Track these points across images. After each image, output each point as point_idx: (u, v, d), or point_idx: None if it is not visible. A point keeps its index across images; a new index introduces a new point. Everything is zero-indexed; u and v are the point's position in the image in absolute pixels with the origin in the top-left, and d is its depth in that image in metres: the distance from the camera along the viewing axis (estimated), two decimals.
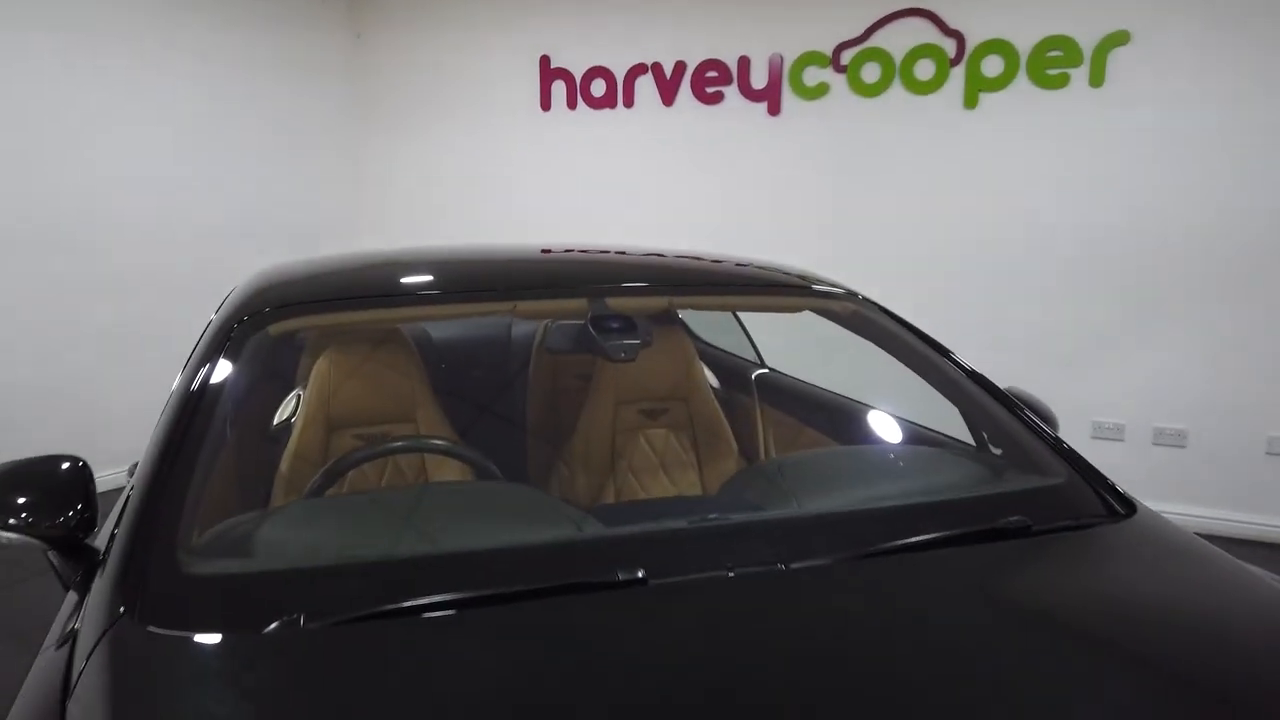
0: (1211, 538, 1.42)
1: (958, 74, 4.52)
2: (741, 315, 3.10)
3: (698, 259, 2.17)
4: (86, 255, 4.53)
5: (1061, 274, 4.43)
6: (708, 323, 3.05)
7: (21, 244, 4.25)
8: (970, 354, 2.20)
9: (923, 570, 1.28)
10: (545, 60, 5.41)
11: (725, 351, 2.99)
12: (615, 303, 1.82)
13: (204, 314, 1.97)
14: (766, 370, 2.86)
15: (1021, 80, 4.40)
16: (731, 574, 1.21)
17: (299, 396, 2.17)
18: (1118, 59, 4.20)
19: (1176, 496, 4.26)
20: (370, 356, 2.17)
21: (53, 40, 4.28)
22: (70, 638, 1.17)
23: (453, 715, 0.95)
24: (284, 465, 1.91)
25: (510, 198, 5.62)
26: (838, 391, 2.53)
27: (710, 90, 5.06)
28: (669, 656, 1.07)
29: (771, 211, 4.98)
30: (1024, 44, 4.36)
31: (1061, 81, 4.32)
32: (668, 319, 2.64)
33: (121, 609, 1.11)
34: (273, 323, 1.65)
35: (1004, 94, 4.45)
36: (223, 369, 1.52)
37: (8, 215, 4.19)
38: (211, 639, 1.07)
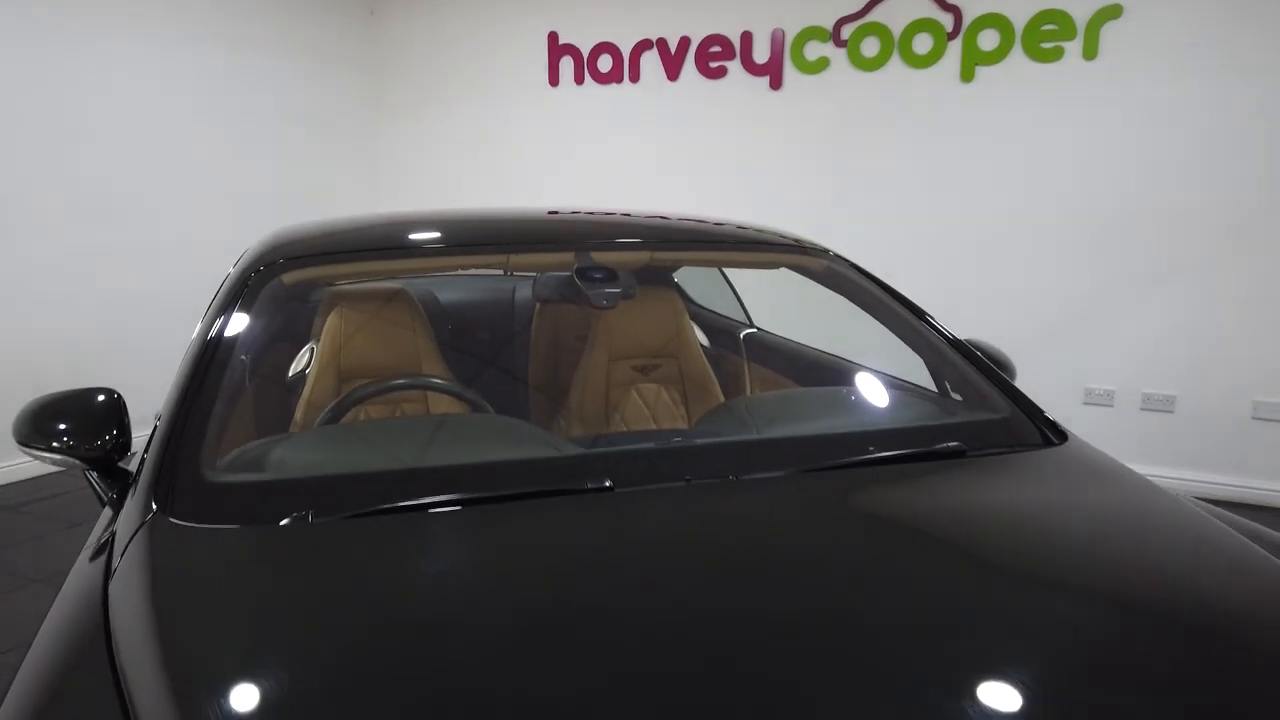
0: (1197, 500, 1.55)
1: (954, 48, 4.62)
2: (734, 281, 3.25)
3: (681, 219, 2.32)
4: (115, 227, 4.72)
5: (1054, 243, 4.54)
6: (700, 287, 3.20)
7: (57, 216, 4.45)
8: (964, 321, 2.35)
9: (860, 483, 1.44)
10: (553, 36, 5.54)
11: (716, 313, 3.14)
12: (600, 257, 1.98)
13: (214, 281, 2.14)
14: (754, 330, 3.01)
15: (1017, 54, 4.50)
16: (687, 481, 1.37)
17: (312, 350, 2.35)
18: (1110, 32, 4.29)
19: (1164, 460, 4.38)
20: (379, 314, 2.33)
21: (85, 30, 4.46)
22: (107, 540, 1.35)
23: (434, 589, 1.12)
24: (298, 412, 2.08)
25: (521, 172, 5.77)
26: (819, 348, 2.68)
27: (714, 65, 5.18)
28: (630, 545, 1.24)
29: (773, 183, 5.10)
30: (1019, 18, 4.45)
31: (1055, 55, 4.41)
32: (659, 280, 2.79)
33: (153, 507, 1.28)
34: (285, 272, 1.81)
35: (999, 67, 4.55)
36: (240, 312, 1.68)
37: (46, 190, 4.40)
38: (231, 530, 1.24)
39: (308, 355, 2.39)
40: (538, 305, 2.64)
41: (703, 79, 5.22)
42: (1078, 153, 4.43)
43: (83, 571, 1.31)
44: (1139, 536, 1.32)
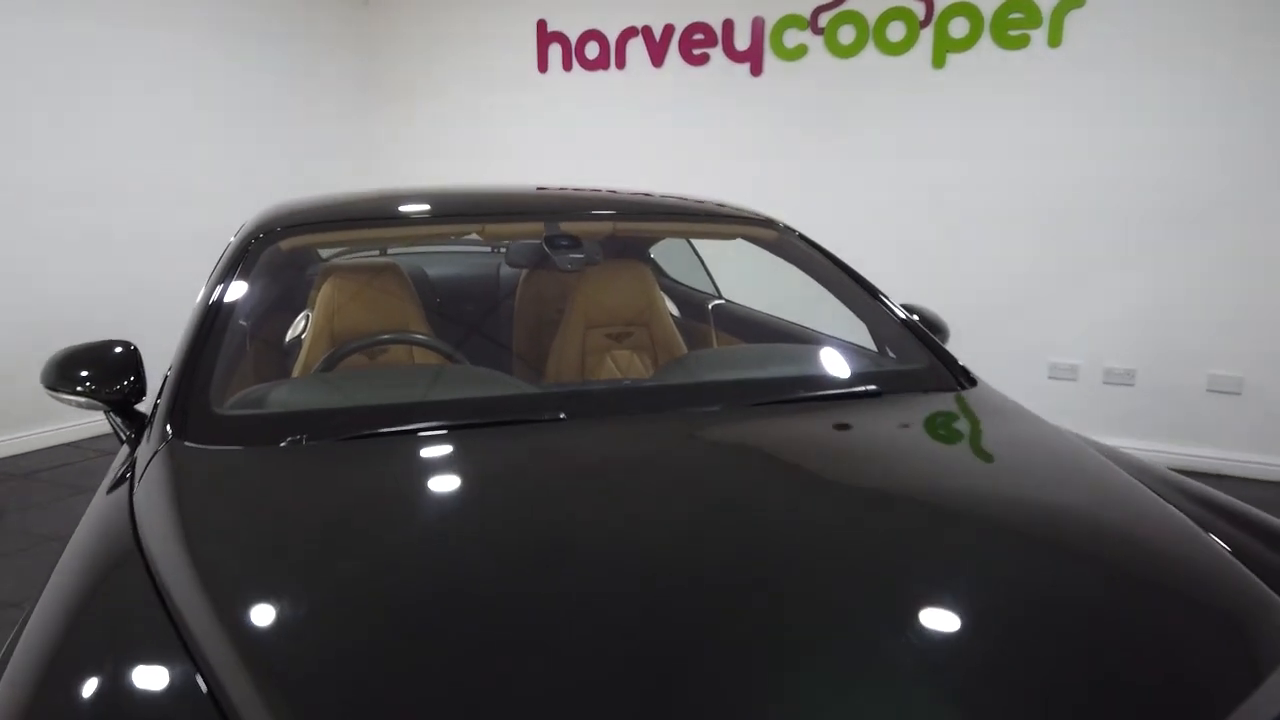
0: (1082, 437, 1.76)
1: (926, 35, 4.80)
2: (705, 258, 3.46)
3: (648, 195, 2.52)
4: (113, 208, 4.92)
5: (1022, 225, 4.74)
6: (675, 263, 3.41)
7: (57, 198, 4.65)
8: (935, 299, 2.55)
9: (784, 416, 1.65)
10: (542, 24, 5.73)
11: (687, 286, 3.35)
12: (568, 226, 2.18)
13: (204, 262, 2.33)
14: (722, 301, 3.21)
15: (985, 41, 4.68)
16: (629, 415, 1.59)
17: (308, 317, 2.55)
18: (1074, 21, 4.48)
19: (1124, 431, 4.59)
20: (369, 284, 2.53)
21: (85, 15, 4.65)
22: (126, 469, 1.55)
23: (405, 489, 1.34)
24: (294, 369, 2.29)
25: (510, 156, 5.96)
26: (778, 316, 2.88)
27: (697, 52, 5.37)
28: (578, 460, 1.46)
29: (753, 166, 5.29)
30: (988, 7, 4.64)
31: (1022, 42, 4.60)
32: (633, 254, 3.00)
33: (169, 433, 1.49)
34: (283, 239, 2.01)
35: (969, 54, 4.74)
36: (243, 273, 1.89)
37: (46, 173, 4.59)
38: (237, 450, 1.45)
39: (303, 322, 2.59)
40: (520, 279, 2.84)
41: (686, 65, 5.41)
42: (1044, 137, 4.63)
43: (102, 500, 1.51)
44: (1020, 455, 1.53)
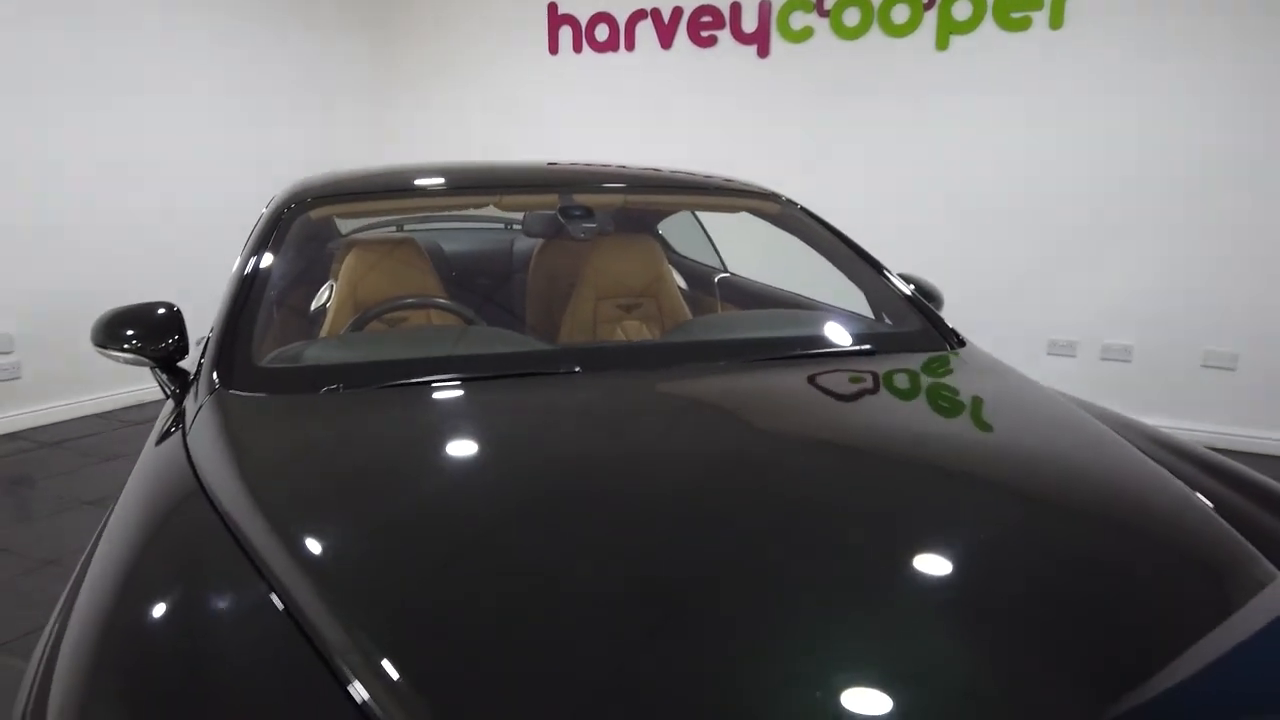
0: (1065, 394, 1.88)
1: (930, 18, 4.89)
2: (710, 234, 3.58)
3: (656, 170, 2.64)
4: (136, 189, 5.06)
5: (1022, 205, 4.84)
6: (682, 239, 3.53)
7: (84, 179, 4.79)
8: (936, 278, 2.66)
9: (784, 370, 1.77)
10: (553, 7, 5.83)
11: (694, 261, 3.47)
12: (581, 198, 2.31)
13: (234, 244, 2.45)
14: (728, 275, 3.33)
15: (988, 24, 4.77)
16: (640, 369, 1.72)
17: (331, 286, 2.68)
18: (1075, 3, 4.56)
19: (1120, 406, 4.65)
20: (389, 254, 2.66)
21: (108, 5, 4.79)
22: (173, 421, 1.68)
23: (432, 427, 1.48)
24: (322, 331, 2.42)
25: (523, 137, 6.07)
26: (780, 288, 3.00)
27: (705, 34, 5.46)
28: (594, 405, 1.59)
29: (760, 146, 5.40)
30: None
31: (1024, 25, 4.68)
32: (642, 229, 3.11)
33: (217, 383, 1.63)
34: (313, 209, 2.15)
35: (972, 36, 4.83)
36: (277, 240, 2.02)
37: (73, 155, 4.73)
38: (281, 397, 1.58)
39: (327, 292, 2.72)
40: (533, 254, 2.97)
41: (694, 47, 5.51)
42: (1045, 118, 4.72)
43: (152, 450, 1.64)
44: (1003, 405, 1.66)
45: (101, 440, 4.53)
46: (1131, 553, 1.19)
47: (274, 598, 1.02)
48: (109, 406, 5.05)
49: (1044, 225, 4.82)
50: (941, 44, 4.89)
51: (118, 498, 1.44)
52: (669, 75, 5.60)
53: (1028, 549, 1.17)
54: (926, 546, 1.11)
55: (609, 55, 5.76)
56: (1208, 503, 1.34)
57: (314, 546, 1.11)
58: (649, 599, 1.01)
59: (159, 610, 1.05)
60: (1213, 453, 1.59)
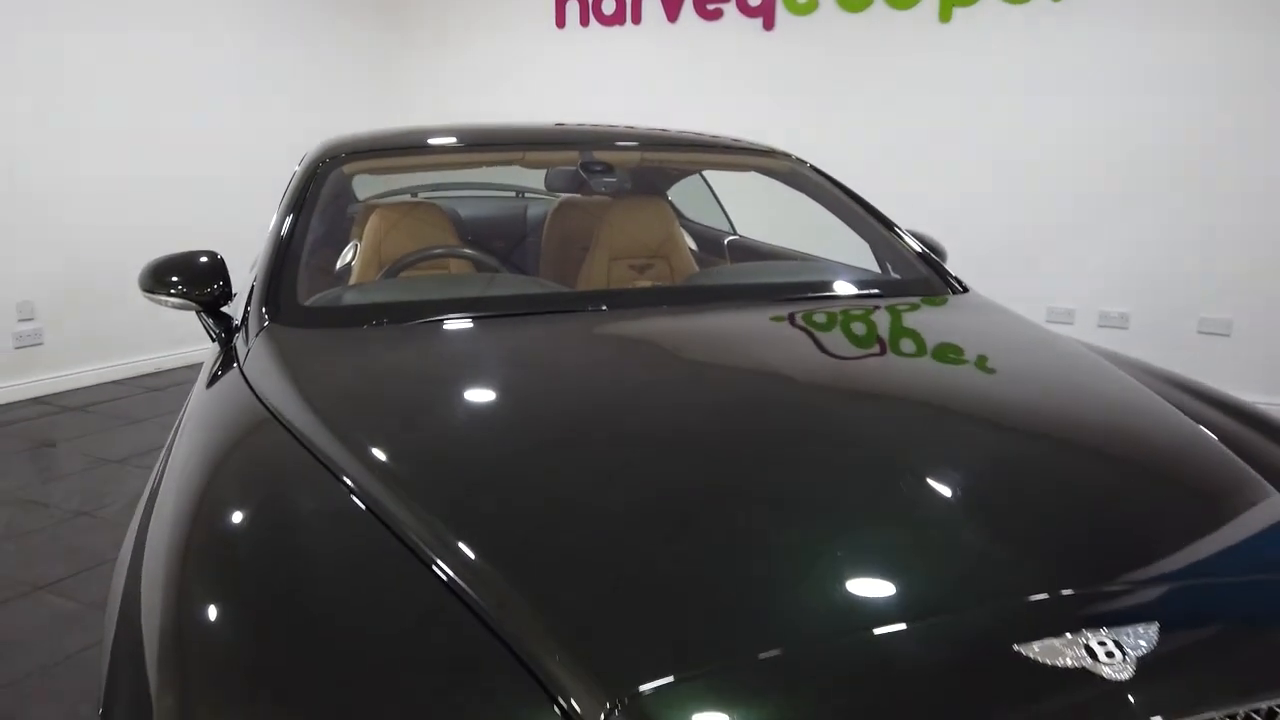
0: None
1: None
2: (719, 196, 3.67)
3: (665, 131, 2.75)
4: (151, 157, 5.15)
5: (1023, 174, 4.93)
6: (692, 203, 3.62)
7: (101, 149, 4.88)
8: (938, 237, 2.77)
9: (792, 309, 1.88)
10: None
11: (704, 225, 3.57)
12: (600, 155, 2.41)
13: (247, 210, 2.53)
14: (736, 237, 3.43)
15: None
16: (661, 307, 1.83)
17: (355, 247, 2.78)
18: None
19: None
20: (410, 214, 2.76)
21: None
22: (220, 362, 1.78)
23: (482, 356, 1.59)
24: (353, 278, 2.53)
25: (531, 109, 6.14)
26: (785, 247, 3.11)
27: (710, 7, 5.54)
28: (619, 339, 1.70)
29: (765, 117, 5.47)
30: None
31: None
32: (654, 192, 3.21)
33: (266, 319, 1.73)
34: (346, 164, 2.25)
35: (975, 9, 4.90)
36: (313, 192, 2.12)
37: (92, 125, 4.82)
38: (327, 331, 1.69)
39: (351, 252, 2.82)
40: (547, 219, 3.07)
41: (700, 20, 5.58)
42: (1044, 91, 4.80)
43: (204, 392, 1.71)
44: (1003, 339, 1.78)
45: (124, 404, 4.64)
46: (1126, 458, 1.30)
47: (355, 499, 1.10)
48: (129, 373, 5.16)
49: (1043, 195, 4.91)
50: (944, 16, 4.97)
51: (171, 439, 1.50)
52: (675, 48, 5.68)
53: (1025, 452, 1.28)
54: (934, 455, 1.22)
55: (615, 29, 5.83)
56: (1199, 426, 1.41)
57: (384, 453, 1.20)
58: (687, 487, 1.13)
59: (247, 517, 1.12)
60: (1188, 378, 1.69)
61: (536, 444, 1.24)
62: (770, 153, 2.58)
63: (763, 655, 0.85)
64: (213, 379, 1.73)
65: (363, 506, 1.09)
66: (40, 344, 4.71)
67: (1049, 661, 0.84)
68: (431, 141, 2.43)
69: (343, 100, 6.28)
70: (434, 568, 0.97)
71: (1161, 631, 0.88)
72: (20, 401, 4.62)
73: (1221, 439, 1.37)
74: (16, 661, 2.34)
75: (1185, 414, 1.43)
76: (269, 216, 2.20)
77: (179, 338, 5.32)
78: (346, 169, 2.26)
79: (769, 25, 5.41)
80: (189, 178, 5.31)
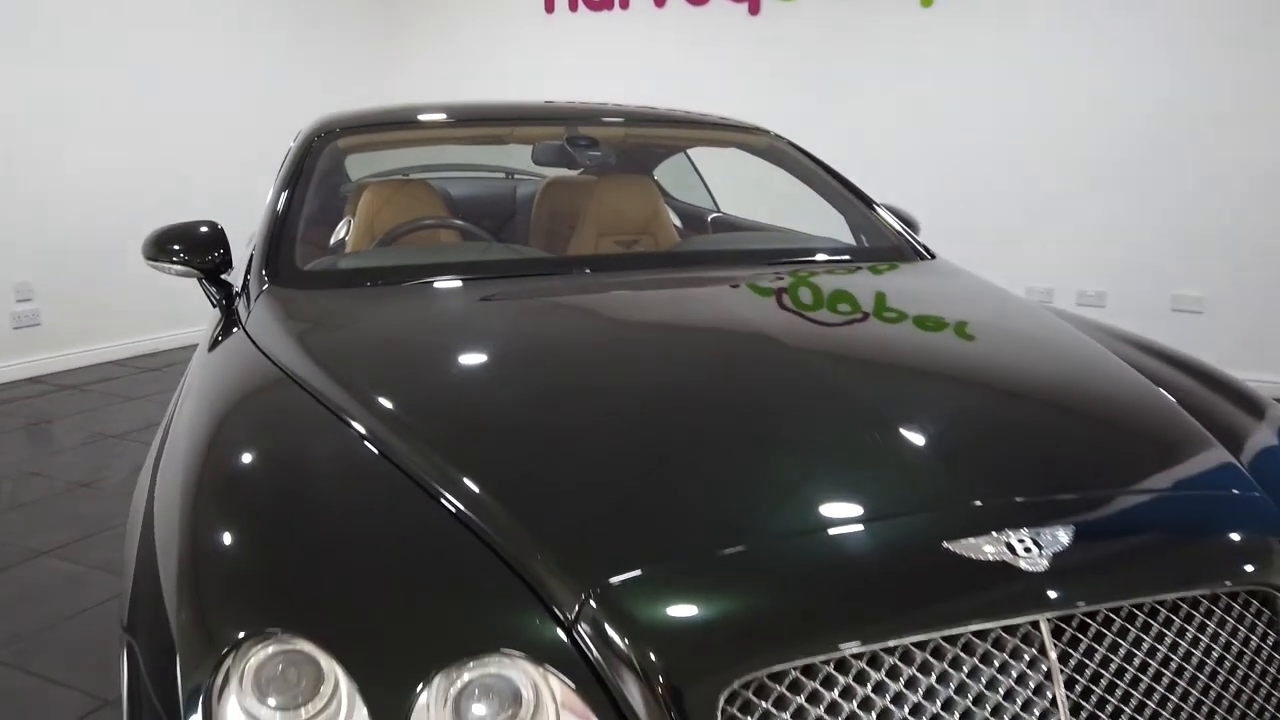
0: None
1: None
2: (702, 176, 3.77)
3: (652, 108, 2.84)
4: (142, 134, 5.22)
5: (1005, 155, 5.04)
6: (677, 182, 3.72)
7: (96, 132, 4.95)
8: (920, 227, 2.87)
9: (770, 270, 1.99)
10: None
11: (689, 204, 3.67)
12: (586, 130, 2.50)
13: (242, 192, 2.60)
14: (720, 214, 3.53)
15: None
16: (640, 273, 1.94)
17: (349, 223, 2.87)
18: None
19: None
20: (402, 190, 2.85)
21: None
22: (222, 326, 1.87)
23: (478, 310, 1.69)
24: (349, 247, 2.62)
25: (520, 93, 6.23)
26: (764, 223, 3.21)
27: None
28: (602, 296, 1.81)
29: (752, 101, 5.56)
30: None
31: None
32: (640, 171, 3.31)
33: (266, 281, 1.83)
34: (339, 139, 2.34)
35: None
36: (309, 165, 2.21)
37: (88, 110, 4.88)
38: (323, 291, 1.79)
39: (345, 228, 2.91)
40: (535, 197, 3.16)
41: (687, 6, 5.66)
42: (1025, 72, 4.91)
43: (206, 356, 1.80)
44: (963, 294, 1.90)
45: (119, 384, 4.72)
46: (1056, 392, 1.42)
47: (354, 433, 1.20)
48: (124, 354, 5.23)
49: (1022, 176, 5.02)
50: (925, 1, 5.06)
51: (176, 399, 1.58)
52: (663, 34, 5.76)
53: (969, 387, 1.40)
54: (886, 388, 1.34)
55: (604, 14, 5.90)
56: (1131, 368, 1.53)
57: (381, 394, 1.29)
58: (655, 413, 1.24)
59: (254, 451, 1.20)
60: (1157, 342, 1.80)
61: (521, 383, 1.34)
62: (750, 129, 2.68)
63: (720, 552, 0.96)
64: (215, 342, 1.82)
65: (362, 439, 1.19)
66: (38, 324, 4.79)
67: (975, 556, 0.95)
68: (423, 118, 2.52)
69: (332, 83, 6.34)
70: (429, 490, 1.08)
71: (1074, 534, 0.99)
72: (18, 381, 4.69)
73: (1158, 383, 1.48)
74: (29, 617, 2.44)
75: (1121, 359, 1.54)
76: (262, 195, 2.29)
77: (174, 319, 5.40)
78: (340, 144, 2.35)
79: (755, 9, 5.50)
80: (184, 161, 5.38)
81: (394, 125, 2.49)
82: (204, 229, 2.16)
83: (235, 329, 1.76)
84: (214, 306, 2.16)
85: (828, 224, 2.59)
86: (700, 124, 2.73)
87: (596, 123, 2.60)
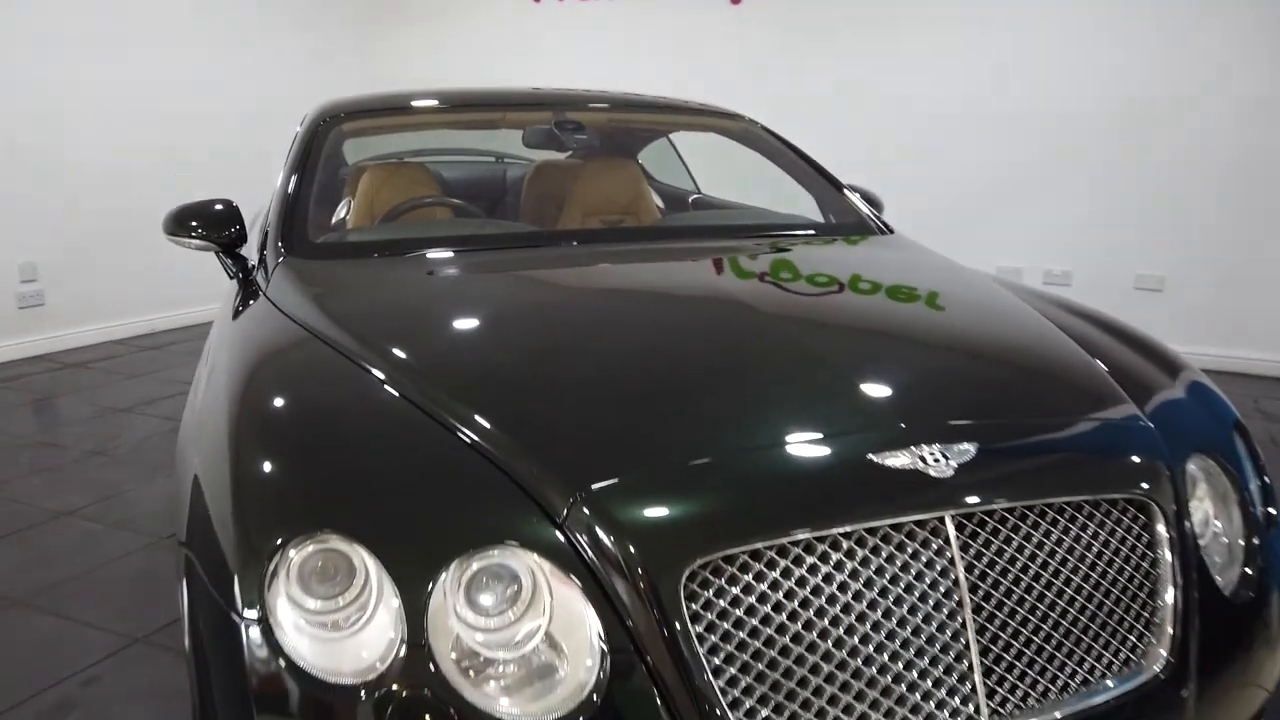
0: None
1: None
2: (683, 159, 3.96)
3: (637, 95, 3.02)
4: (149, 127, 5.36)
5: (974, 139, 5.25)
6: (660, 165, 3.90)
7: (98, 117, 5.09)
8: (895, 209, 3.06)
9: (746, 242, 2.19)
10: None
11: (671, 186, 3.86)
12: (572, 114, 2.69)
13: (242, 175, 2.77)
14: (700, 195, 3.73)
15: None
16: (624, 244, 2.13)
17: (349, 204, 3.05)
18: None
19: None
20: (399, 172, 3.03)
21: None
22: (240, 295, 2.06)
23: (481, 272, 1.89)
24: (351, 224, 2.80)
25: (506, 81, 6.38)
26: (743, 204, 3.40)
27: None
28: (590, 261, 2.01)
29: (733, 89, 5.74)
30: None
31: None
32: (624, 154, 3.49)
33: (283, 252, 2.01)
34: (345, 123, 2.52)
35: None
36: (316, 145, 2.39)
37: (90, 96, 5.02)
38: (337, 261, 1.98)
39: (345, 208, 3.09)
40: (525, 181, 3.34)
41: None
42: (998, 59, 5.11)
43: (229, 323, 1.96)
44: (915, 263, 2.10)
45: (123, 361, 4.89)
46: (977, 336, 1.66)
47: (389, 389, 1.36)
48: (128, 334, 5.39)
49: (992, 159, 5.23)
50: None
51: (203, 361, 1.75)
52: (648, 23, 5.93)
53: (904, 331, 1.63)
54: (833, 332, 1.58)
55: (590, 3, 6.07)
56: (1052, 325, 1.74)
57: (399, 346, 1.47)
58: (632, 351, 1.46)
59: (286, 392, 1.38)
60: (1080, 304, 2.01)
61: (515, 332, 1.55)
62: (726, 114, 2.87)
63: (685, 462, 1.16)
64: (236, 311, 2.00)
65: (378, 381, 1.38)
66: (42, 305, 4.94)
67: (894, 465, 1.16)
68: (421, 103, 2.70)
69: (324, 84, 6.49)
70: (438, 419, 1.27)
71: (978, 449, 1.20)
72: (24, 359, 4.85)
73: (1080, 341, 1.68)
74: (56, 569, 2.62)
75: (1048, 320, 1.75)
76: (261, 178, 2.46)
77: (173, 302, 5.56)
78: (345, 127, 2.53)
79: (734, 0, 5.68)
80: (184, 144, 5.53)
81: (394, 110, 2.67)
82: (219, 206, 2.33)
83: (255, 295, 1.95)
84: (231, 278, 2.34)
85: (794, 193, 2.79)
86: (680, 109, 2.92)
87: (583, 107, 2.78)
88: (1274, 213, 4.74)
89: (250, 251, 2.29)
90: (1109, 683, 1.18)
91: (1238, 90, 4.67)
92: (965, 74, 5.19)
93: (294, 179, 2.27)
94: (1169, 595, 1.24)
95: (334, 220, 3.09)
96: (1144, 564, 1.25)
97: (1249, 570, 1.38)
